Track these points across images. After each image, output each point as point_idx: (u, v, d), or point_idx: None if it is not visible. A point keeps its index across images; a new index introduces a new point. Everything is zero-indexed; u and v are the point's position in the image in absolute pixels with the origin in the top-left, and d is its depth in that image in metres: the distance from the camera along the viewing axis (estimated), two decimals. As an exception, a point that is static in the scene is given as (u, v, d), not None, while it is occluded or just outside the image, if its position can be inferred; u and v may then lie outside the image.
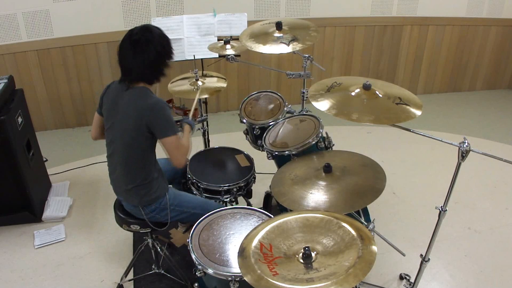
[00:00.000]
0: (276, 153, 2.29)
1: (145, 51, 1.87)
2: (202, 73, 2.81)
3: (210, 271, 1.65)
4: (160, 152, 2.02)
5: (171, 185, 2.53)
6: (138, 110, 1.88)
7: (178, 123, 2.18)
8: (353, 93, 1.77)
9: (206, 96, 2.68)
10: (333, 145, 2.34)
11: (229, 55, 2.68)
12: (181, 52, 3.02)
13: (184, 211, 2.12)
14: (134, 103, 1.90)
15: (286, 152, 2.24)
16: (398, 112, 1.67)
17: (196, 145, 3.08)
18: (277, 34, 2.47)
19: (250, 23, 2.87)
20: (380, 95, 1.76)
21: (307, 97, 2.72)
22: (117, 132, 1.97)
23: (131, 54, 1.87)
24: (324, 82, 1.91)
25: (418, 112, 1.68)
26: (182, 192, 2.23)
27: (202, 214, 1.95)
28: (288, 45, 2.39)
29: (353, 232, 1.41)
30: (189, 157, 2.53)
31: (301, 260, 1.33)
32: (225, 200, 2.32)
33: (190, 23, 3.00)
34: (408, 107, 1.70)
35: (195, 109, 2.73)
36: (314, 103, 1.75)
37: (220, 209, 1.98)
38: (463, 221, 2.87)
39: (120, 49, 1.91)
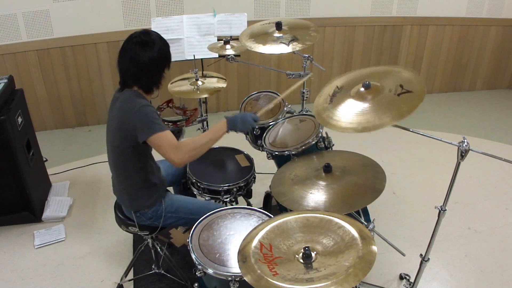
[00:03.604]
0: (276, 153, 2.29)
1: (143, 53, 1.83)
2: (202, 73, 2.81)
3: (210, 271, 1.65)
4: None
5: (171, 187, 2.53)
6: (124, 112, 1.83)
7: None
8: (360, 102, 1.70)
9: (206, 96, 2.68)
10: (333, 145, 2.34)
11: (229, 55, 2.68)
12: (181, 52, 3.02)
13: (182, 217, 2.10)
14: (121, 105, 1.86)
15: (286, 152, 2.24)
16: (401, 105, 1.61)
17: (196, 145, 3.09)
18: (277, 34, 2.47)
19: (250, 23, 2.87)
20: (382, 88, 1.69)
21: (307, 97, 2.72)
22: (109, 134, 1.97)
23: (127, 55, 1.84)
24: (326, 91, 1.86)
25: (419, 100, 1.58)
26: (180, 197, 2.18)
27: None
28: (288, 45, 2.39)
29: (353, 232, 1.41)
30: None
31: (301, 260, 1.33)
32: (225, 200, 2.32)
33: (190, 23, 3.00)
34: (411, 93, 1.63)
35: (195, 109, 2.74)
36: (330, 129, 1.67)
37: (220, 209, 1.98)
38: (463, 221, 2.87)
39: (119, 52, 1.88)
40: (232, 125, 1.94)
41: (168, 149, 1.79)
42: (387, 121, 1.58)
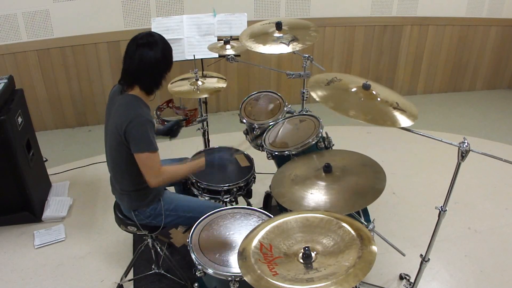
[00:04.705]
0: (276, 153, 2.29)
1: (147, 53, 1.85)
2: (202, 73, 2.81)
3: (210, 271, 1.65)
4: (163, 155, 2.01)
5: (171, 187, 2.53)
6: (121, 118, 1.85)
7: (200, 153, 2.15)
8: (352, 90, 1.78)
9: (206, 96, 2.68)
10: (333, 145, 2.33)
11: (229, 55, 2.68)
12: (181, 52, 3.02)
13: (180, 216, 2.10)
14: (121, 110, 1.88)
15: (286, 152, 2.24)
16: (392, 117, 1.68)
17: (196, 145, 3.09)
18: (277, 34, 2.47)
19: (250, 23, 2.87)
20: (378, 98, 1.75)
21: (307, 97, 2.72)
22: (107, 135, 1.97)
23: (133, 55, 1.86)
24: (324, 76, 1.91)
25: (409, 123, 1.66)
26: (178, 196, 2.21)
27: (199, 218, 1.95)
28: (288, 45, 2.39)
29: (353, 232, 1.41)
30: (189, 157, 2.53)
31: (301, 260, 1.33)
32: (225, 200, 2.32)
33: (190, 23, 3.00)
34: (403, 113, 1.70)
35: (195, 109, 2.74)
36: (313, 93, 1.76)
37: (220, 209, 1.98)
38: (463, 221, 2.87)
39: (125, 52, 1.90)
40: (211, 164, 2.11)
41: (150, 171, 1.87)
42: (369, 119, 1.65)
